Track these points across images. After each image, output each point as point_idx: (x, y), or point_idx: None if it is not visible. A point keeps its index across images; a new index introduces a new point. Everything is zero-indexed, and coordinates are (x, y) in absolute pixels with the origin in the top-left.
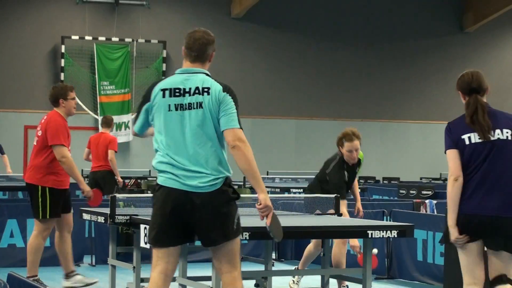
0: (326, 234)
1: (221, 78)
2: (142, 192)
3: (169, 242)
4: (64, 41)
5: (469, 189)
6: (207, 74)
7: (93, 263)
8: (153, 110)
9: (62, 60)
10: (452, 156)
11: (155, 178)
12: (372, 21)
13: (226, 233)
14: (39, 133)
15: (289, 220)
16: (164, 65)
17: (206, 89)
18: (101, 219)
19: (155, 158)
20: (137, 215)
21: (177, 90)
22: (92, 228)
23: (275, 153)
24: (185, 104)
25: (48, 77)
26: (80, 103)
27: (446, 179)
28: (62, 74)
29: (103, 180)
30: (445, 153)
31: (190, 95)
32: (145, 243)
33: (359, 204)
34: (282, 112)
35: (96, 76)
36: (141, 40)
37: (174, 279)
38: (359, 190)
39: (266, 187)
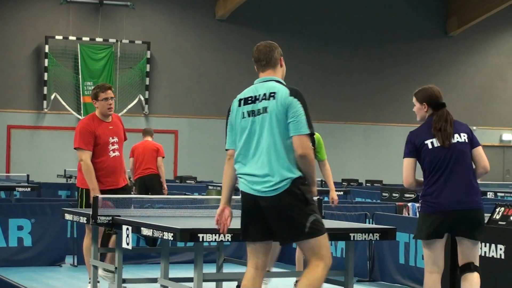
0: None
1: (204, 80)
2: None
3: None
4: (48, 41)
5: (437, 188)
6: (277, 81)
7: (75, 264)
8: (232, 119)
9: (46, 60)
10: (408, 164)
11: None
12: (356, 25)
13: (295, 233)
14: None
15: None
16: (148, 66)
17: (272, 94)
18: (83, 220)
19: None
20: (119, 216)
21: (249, 98)
22: (74, 228)
23: None
24: (256, 110)
25: (31, 77)
26: (63, 103)
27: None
28: (46, 74)
29: (150, 182)
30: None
31: (259, 101)
32: (127, 244)
33: (333, 193)
34: None
35: (80, 76)
36: (125, 41)
37: (155, 280)
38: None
39: None
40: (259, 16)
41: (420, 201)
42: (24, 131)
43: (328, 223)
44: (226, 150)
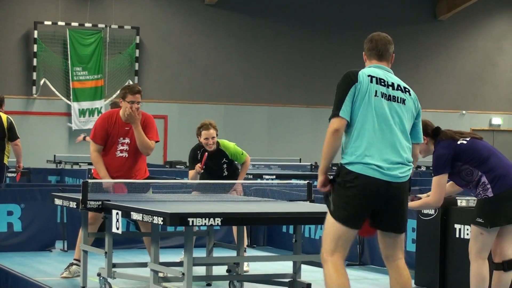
0: (298, 220)
1: (194, 65)
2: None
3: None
4: (37, 26)
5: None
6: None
7: (65, 249)
8: (360, 93)
9: (35, 46)
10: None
11: None
12: (345, 8)
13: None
14: None
15: (261, 206)
16: (137, 51)
17: (407, 90)
18: (73, 204)
19: (351, 141)
20: (109, 201)
21: (382, 80)
22: (64, 213)
23: (248, 140)
24: (390, 95)
25: (20, 62)
26: (52, 88)
27: (418, 167)
28: (35, 60)
29: None
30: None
31: (393, 89)
32: (117, 228)
33: (239, 186)
34: (255, 99)
35: (69, 61)
36: (114, 26)
37: (146, 265)
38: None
39: None
40: (248, 1)
41: (486, 189)
42: (14, 117)
43: (318, 207)
44: (337, 117)
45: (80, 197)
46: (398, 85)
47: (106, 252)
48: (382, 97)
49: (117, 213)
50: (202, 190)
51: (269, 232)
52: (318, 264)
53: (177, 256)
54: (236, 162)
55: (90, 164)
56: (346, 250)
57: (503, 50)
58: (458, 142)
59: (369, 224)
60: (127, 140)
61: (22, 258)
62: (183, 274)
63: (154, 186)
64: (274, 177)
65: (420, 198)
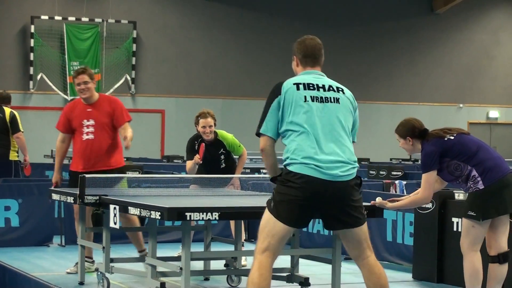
0: None
1: (191, 59)
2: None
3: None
4: (34, 21)
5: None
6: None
7: (63, 244)
8: (285, 103)
9: (32, 40)
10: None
11: (124, 159)
12: (342, 2)
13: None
14: None
15: (259, 200)
16: (134, 45)
17: (340, 89)
18: (70, 200)
19: (291, 145)
20: (106, 195)
21: (311, 85)
22: (61, 208)
23: (246, 134)
24: (321, 97)
25: (17, 57)
26: (49, 83)
27: (415, 160)
28: (32, 54)
29: None
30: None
31: (324, 91)
32: (114, 223)
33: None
34: (253, 93)
35: (66, 56)
36: (111, 21)
37: (143, 259)
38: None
39: None
40: None
41: (476, 182)
42: None
43: None
44: (260, 136)
45: (78, 192)
46: (330, 86)
47: (103, 247)
48: (314, 100)
49: (114, 208)
50: (200, 184)
51: None
52: (316, 258)
53: (175, 250)
54: (234, 157)
55: None
56: (278, 250)
57: (500, 43)
58: (445, 138)
59: (323, 225)
60: (91, 122)
61: (19, 253)
62: (181, 268)
63: (152, 181)
64: None
65: (402, 197)
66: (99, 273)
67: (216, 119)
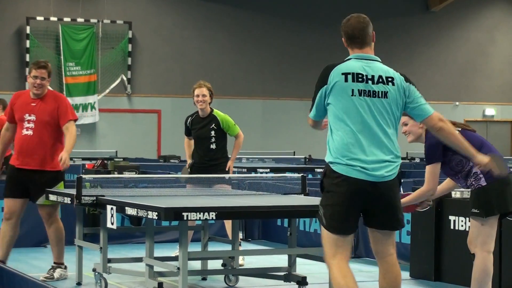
0: (293, 213)
1: (187, 59)
2: (109, 172)
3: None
4: (29, 22)
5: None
6: (380, 62)
7: None
8: (331, 94)
9: (27, 41)
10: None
11: (121, 159)
12: (337, 1)
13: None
14: None
15: (255, 199)
16: (130, 45)
17: (390, 79)
18: (67, 200)
19: (335, 140)
20: (103, 196)
21: (359, 76)
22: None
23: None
24: (369, 91)
25: (13, 58)
26: None
27: (412, 158)
28: (28, 55)
29: None
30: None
31: (373, 83)
32: (112, 224)
33: (230, 162)
34: (249, 93)
35: (62, 57)
36: (106, 21)
37: (141, 260)
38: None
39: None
40: None
41: (478, 179)
42: None
43: (312, 200)
44: (313, 122)
45: (75, 193)
46: (380, 77)
47: (101, 248)
48: (361, 95)
49: (111, 208)
50: (195, 183)
51: (264, 225)
52: (313, 257)
53: (172, 250)
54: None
55: (84, 159)
56: (348, 251)
57: (495, 41)
58: None
59: (363, 223)
60: (32, 117)
61: (16, 254)
62: (178, 268)
63: (148, 181)
64: (268, 170)
65: (409, 194)
66: (96, 273)
67: (213, 93)
